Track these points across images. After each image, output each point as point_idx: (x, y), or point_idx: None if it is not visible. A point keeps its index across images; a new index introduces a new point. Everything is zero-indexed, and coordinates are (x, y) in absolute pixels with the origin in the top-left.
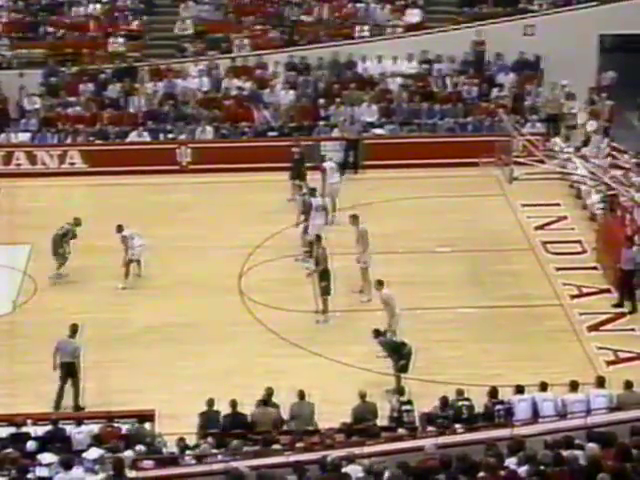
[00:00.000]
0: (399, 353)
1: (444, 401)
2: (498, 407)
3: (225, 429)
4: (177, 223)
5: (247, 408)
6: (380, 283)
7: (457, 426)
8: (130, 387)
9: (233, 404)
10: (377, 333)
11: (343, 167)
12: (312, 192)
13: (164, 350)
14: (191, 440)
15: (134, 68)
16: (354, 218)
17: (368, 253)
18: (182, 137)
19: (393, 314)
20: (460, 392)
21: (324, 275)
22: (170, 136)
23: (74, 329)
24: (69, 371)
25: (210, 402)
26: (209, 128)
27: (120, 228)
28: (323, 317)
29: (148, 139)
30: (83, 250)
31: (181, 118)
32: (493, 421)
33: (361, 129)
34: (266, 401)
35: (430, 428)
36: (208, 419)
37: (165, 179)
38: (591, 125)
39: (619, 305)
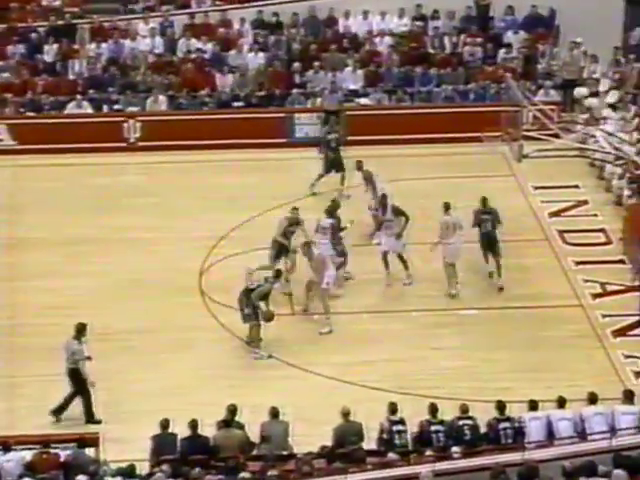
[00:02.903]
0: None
1: (433, 408)
2: (504, 425)
3: (183, 454)
4: (125, 211)
5: (209, 430)
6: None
7: (457, 449)
8: (71, 406)
9: (193, 425)
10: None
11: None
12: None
13: (111, 361)
14: (143, 468)
15: (73, 26)
16: (306, 246)
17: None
18: (131, 109)
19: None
20: (465, 409)
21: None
22: (116, 107)
23: (78, 328)
24: (70, 378)
25: (165, 423)
26: (163, 98)
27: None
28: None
29: (90, 111)
30: (12, 244)
31: (129, 86)
32: (499, 441)
33: (342, 98)
34: (229, 421)
35: (428, 452)
36: (163, 443)
37: (110, 158)
38: (613, 94)
39: None
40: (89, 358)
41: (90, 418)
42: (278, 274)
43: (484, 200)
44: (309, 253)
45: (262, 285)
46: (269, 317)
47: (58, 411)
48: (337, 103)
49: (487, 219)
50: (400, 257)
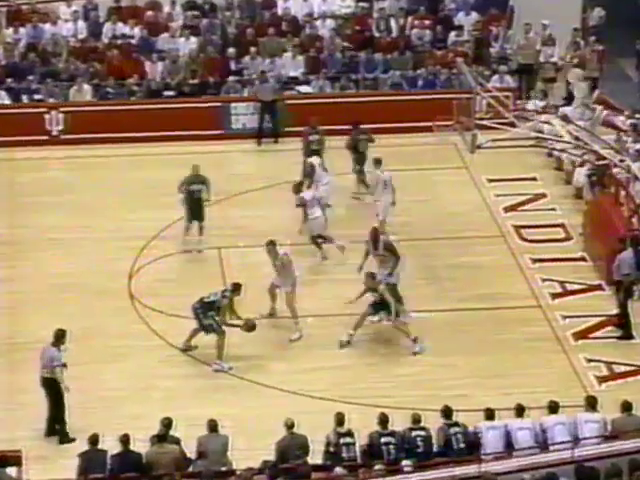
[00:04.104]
0: None
1: (383, 418)
2: (455, 430)
3: (113, 472)
4: (48, 209)
5: (141, 445)
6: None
7: (408, 463)
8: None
9: (124, 440)
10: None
11: (259, 135)
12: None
13: (32, 373)
14: None
15: None
16: (271, 246)
17: (293, 280)
18: (52, 99)
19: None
20: (417, 419)
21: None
22: (37, 98)
23: (57, 335)
24: (45, 387)
25: (94, 438)
26: (87, 87)
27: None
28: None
29: (8, 102)
30: None
31: (51, 74)
32: (451, 447)
33: (277, 86)
34: (163, 436)
35: (378, 466)
36: (91, 460)
37: (31, 153)
38: (574, 77)
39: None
40: (64, 365)
41: (53, 433)
42: (236, 287)
43: (356, 123)
44: (273, 252)
45: (218, 299)
46: (250, 327)
47: (62, 435)
48: (272, 92)
49: (363, 138)
50: None
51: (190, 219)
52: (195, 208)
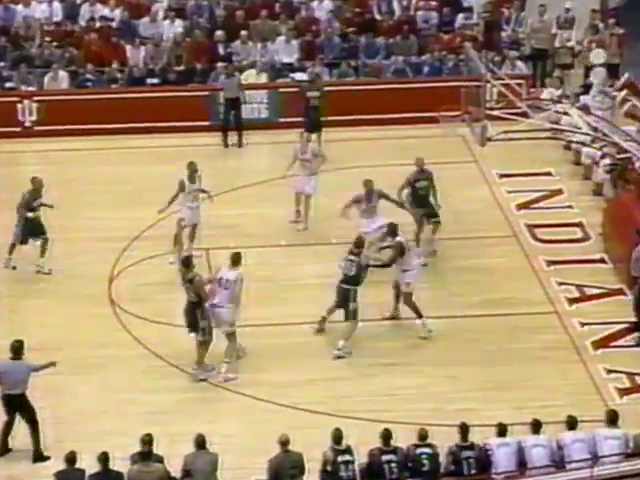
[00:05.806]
0: None
1: (386, 433)
2: (467, 454)
3: None
4: None
5: (122, 464)
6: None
7: None
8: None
9: (103, 458)
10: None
11: (225, 130)
12: None
13: None
14: None
15: None
16: (235, 259)
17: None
18: (25, 87)
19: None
20: (423, 435)
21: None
22: (8, 86)
23: (16, 347)
24: (20, 404)
25: (71, 457)
26: (63, 74)
27: None
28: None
29: None
30: None
31: (23, 60)
32: (461, 473)
33: (239, 82)
34: (147, 453)
35: None
36: None
37: (1, 146)
38: (595, 73)
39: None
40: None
41: (41, 453)
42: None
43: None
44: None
45: (191, 297)
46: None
47: (38, 452)
48: (237, 89)
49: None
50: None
51: (26, 239)
52: (39, 225)
